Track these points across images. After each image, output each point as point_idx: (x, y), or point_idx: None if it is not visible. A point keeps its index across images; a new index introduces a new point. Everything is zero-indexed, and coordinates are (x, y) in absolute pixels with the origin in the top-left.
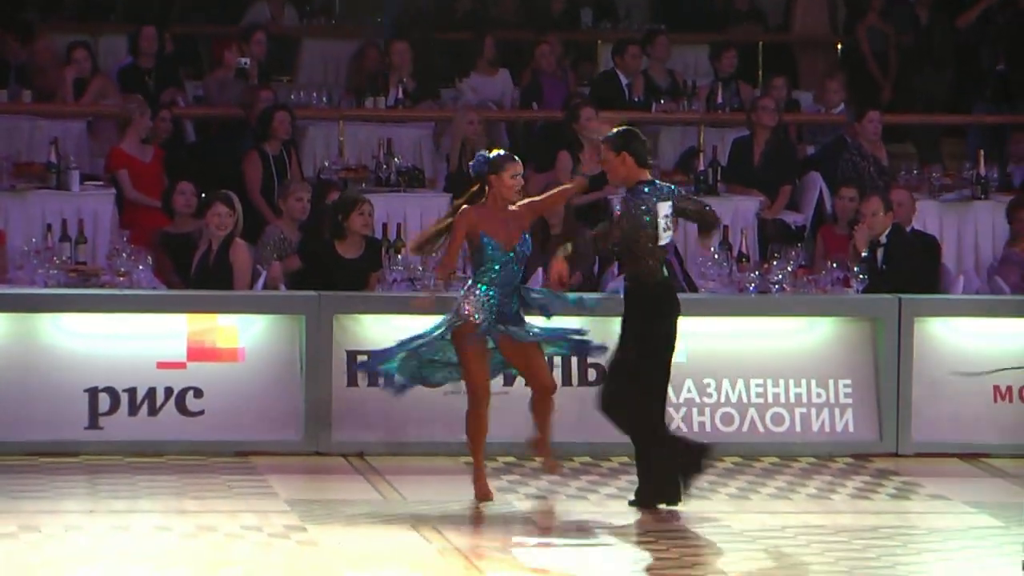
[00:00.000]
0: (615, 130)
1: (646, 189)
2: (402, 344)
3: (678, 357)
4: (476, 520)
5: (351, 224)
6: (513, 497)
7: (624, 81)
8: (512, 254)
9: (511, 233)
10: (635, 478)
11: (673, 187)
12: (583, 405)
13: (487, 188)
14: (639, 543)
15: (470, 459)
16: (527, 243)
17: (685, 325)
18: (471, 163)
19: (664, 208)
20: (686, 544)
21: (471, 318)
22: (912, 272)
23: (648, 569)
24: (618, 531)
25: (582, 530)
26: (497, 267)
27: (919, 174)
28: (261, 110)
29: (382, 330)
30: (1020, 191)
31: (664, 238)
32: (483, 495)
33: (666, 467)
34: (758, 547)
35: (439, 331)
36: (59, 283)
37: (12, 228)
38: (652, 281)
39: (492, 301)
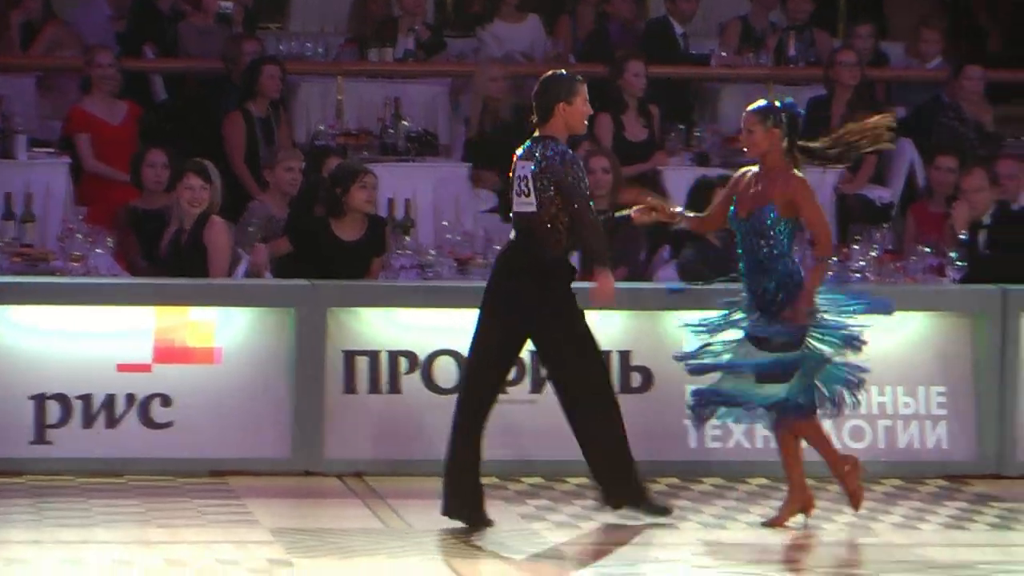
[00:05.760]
0: None
1: (525, 145)
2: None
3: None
4: (495, 552)
5: (351, 199)
6: (541, 526)
7: (679, 31)
8: (744, 225)
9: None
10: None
11: (552, 149)
12: None
13: None
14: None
15: (491, 480)
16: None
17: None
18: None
19: (520, 168)
20: None
21: None
22: (1020, 258)
23: None
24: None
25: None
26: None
27: None
28: (246, 64)
29: (386, 326)
30: None
31: (516, 204)
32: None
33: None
34: None
35: None
36: (0, 270)
37: None
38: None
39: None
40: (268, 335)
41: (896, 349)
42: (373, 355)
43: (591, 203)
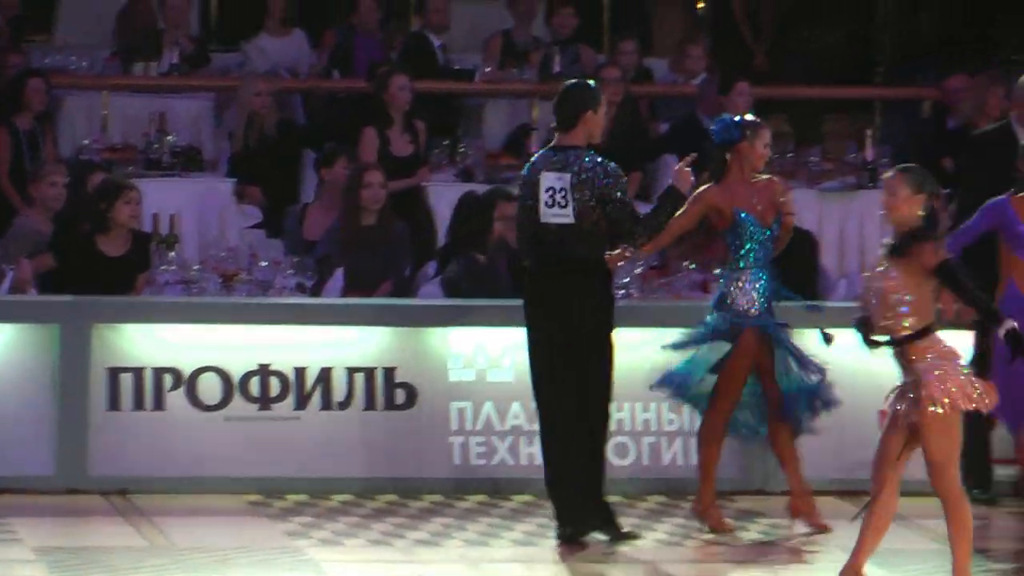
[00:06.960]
0: None
1: (544, 154)
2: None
3: (504, 375)
4: (259, 570)
5: (115, 215)
6: (306, 543)
7: (436, 43)
8: (769, 231)
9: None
10: None
11: (590, 160)
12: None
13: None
14: None
15: (256, 497)
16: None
17: (500, 338)
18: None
19: (550, 179)
20: None
21: (750, 311)
22: (784, 274)
23: None
24: None
25: None
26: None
27: (794, 157)
28: (10, 76)
29: (150, 343)
30: None
31: (547, 215)
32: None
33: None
34: None
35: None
36: None
37: None
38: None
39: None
40: (32, 351)
41: (661, 364)
42: (137, 372)
43: (635, 214)
